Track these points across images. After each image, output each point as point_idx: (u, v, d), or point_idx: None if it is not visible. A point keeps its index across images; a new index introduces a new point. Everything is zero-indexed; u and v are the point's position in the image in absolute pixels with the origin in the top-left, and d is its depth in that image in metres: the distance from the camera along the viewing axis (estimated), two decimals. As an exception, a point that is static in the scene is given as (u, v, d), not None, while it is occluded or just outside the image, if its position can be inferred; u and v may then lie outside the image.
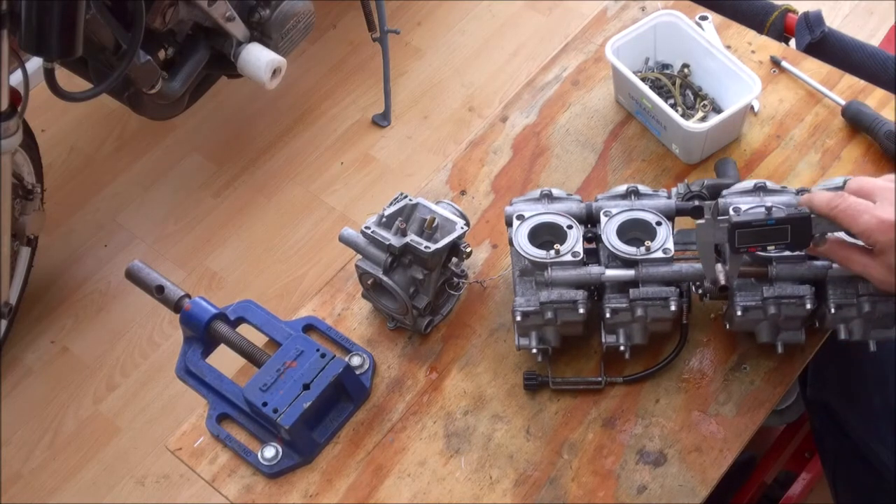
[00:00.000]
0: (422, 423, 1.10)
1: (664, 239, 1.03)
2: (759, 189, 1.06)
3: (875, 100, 1.29)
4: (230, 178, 2.41)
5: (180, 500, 1.94)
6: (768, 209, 0.99)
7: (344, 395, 1.11)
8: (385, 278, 1.08)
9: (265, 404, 1.04)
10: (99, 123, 2.51)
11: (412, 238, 1.07)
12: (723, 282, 0.99)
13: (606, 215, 1.06)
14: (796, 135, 1.29)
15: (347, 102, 2.51)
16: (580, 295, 1.03)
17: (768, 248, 0.99)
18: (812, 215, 0.97)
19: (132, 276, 1.15)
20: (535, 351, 1.07)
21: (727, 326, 1.08)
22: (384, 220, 1.10)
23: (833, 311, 1.01)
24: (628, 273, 1.03)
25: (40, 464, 2.03)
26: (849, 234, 0.97)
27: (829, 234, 0.98)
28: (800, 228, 0.97)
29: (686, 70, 1.34)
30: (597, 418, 1.09)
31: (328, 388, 1.06)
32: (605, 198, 1.10)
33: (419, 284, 1.10)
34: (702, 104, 1.30)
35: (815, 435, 1.43)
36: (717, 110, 1.30)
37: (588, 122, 1.33)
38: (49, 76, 1.62)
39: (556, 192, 1.11)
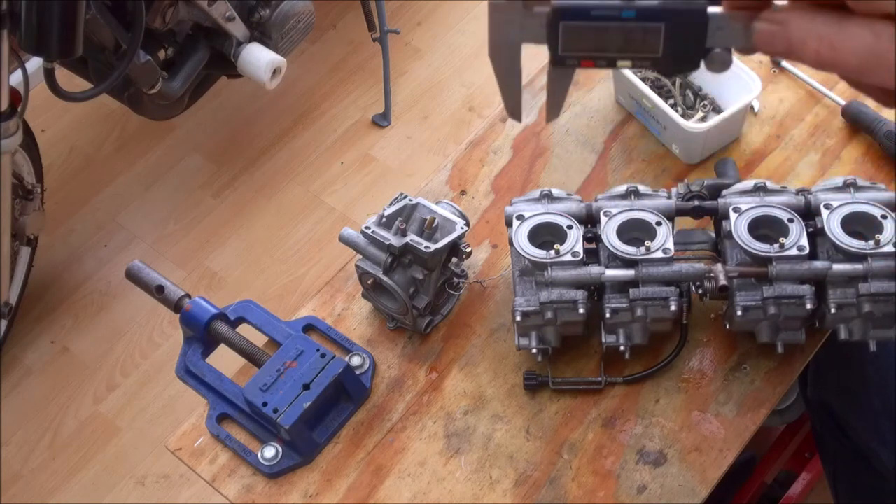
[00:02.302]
0: (422, 423, 1.10)
1: (664, 239, 1.03)
2: (760, 189, 1.06)
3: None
4: (230, 178, 2.41)
5: (180, 500, 1.94)
6: None
7: (344, 395, 1.11)
8: (385, 278, 1.08)
9: (265, 404, 1.04)
10: (99, 123, 2.51)
11: (412, 238, 1.07)
12: (723, 281, 0.99)
13: (606, 215, 1.06)
14: (796, 135, 1.29)
15: (347, 102, 2.51)
16: (580, 295, 1.03)
17: (619, 62, 0.60)
18: (710, 8, 0.58)
19: (132, 276, 1.15)
20: (535, 351, 1.07)
21: (727, 326, 1.08)
22: (384, 220, 1.10)
23: (833, 311, 1.01)
24: (628, 273, 1.03)
25: (40, 464, 2.03)
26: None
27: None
28: (684, 31, 0.58)
29: (686, 70, 1.33)
30: (597, 418, 1.09)
31: (328, 388, 1.06)
32: (605, 198, 1.10)
33: (419, 284, 1.10)
34: (702, 104, 1.30)
35: (815, 435, 1.43)
36: (717, 110, 1.30)
37: (588, 122, 1.33)
38: (49, 76, 1.62)
39: (556, 192, 1.11)
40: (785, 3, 0.53)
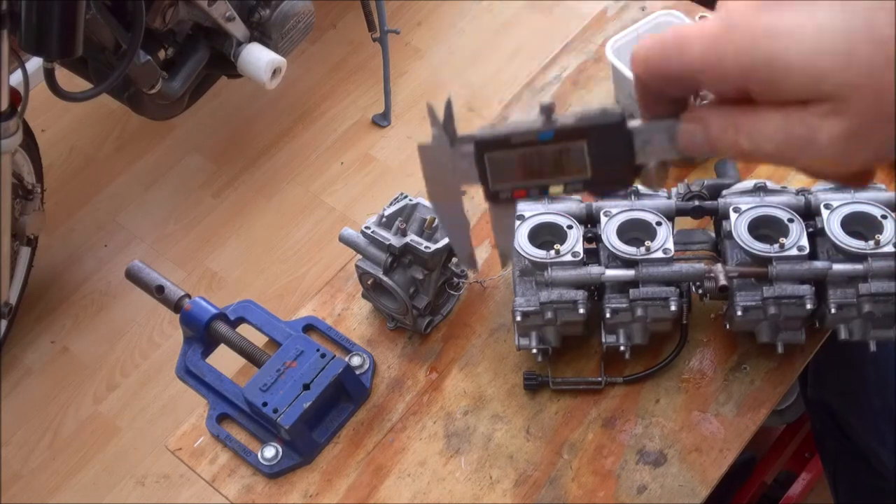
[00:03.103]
0: (422, 423, 1.10)
1: (664, 239, 1.03)
2: (760, 189, 1.06)
3: (875, 100, 1.29)
4: (230, 178, 2.41)
5: (180, 500, 1.94)
6: (546, 112, 0.56)
7: (344, 395, 1.11)
8: (385, 278, 1.08)
9: (265, 404, 1.04)
10: (99, 123, 2.51)
11: (412, 238, 1.07)
12: (723, 281, 0.99)
13: (606, 215, 1.06)
14: (796, 135, 1.28)
15: (347, 102, 2.51)
16: (580, 295, 1.03)
17: (552, 189, 0.58)
18: (630, 122, 0.56)
19: (132, 276, 1.15)
20: (535, 351, 1.07)
21: (727, 326, 1.08)
22: (384, 220, 1.10)
23: (833, 311, 1.01)
24: (628, 273, 1.03)
25: (40, 464, 2.03)
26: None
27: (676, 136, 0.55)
28: (608, 147, 0.55)
29: (686, 70, 1.33)
30: (597, 418, 1.09)
31: (328, 388, 1.06)
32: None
33: (419, 284, 1.10)
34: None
35: (815, 435, 1.43)
36: (717, 110, 1.29)
37: (588, 122, 1.33)
38: (49, 76, 1.62)
39: (556, 192, 1.11)
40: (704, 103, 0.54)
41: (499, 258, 0.67)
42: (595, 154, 0.56)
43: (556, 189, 0.57)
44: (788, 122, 0.48)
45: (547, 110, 0.57)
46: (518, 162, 0.57)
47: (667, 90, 0.54)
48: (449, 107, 0.59)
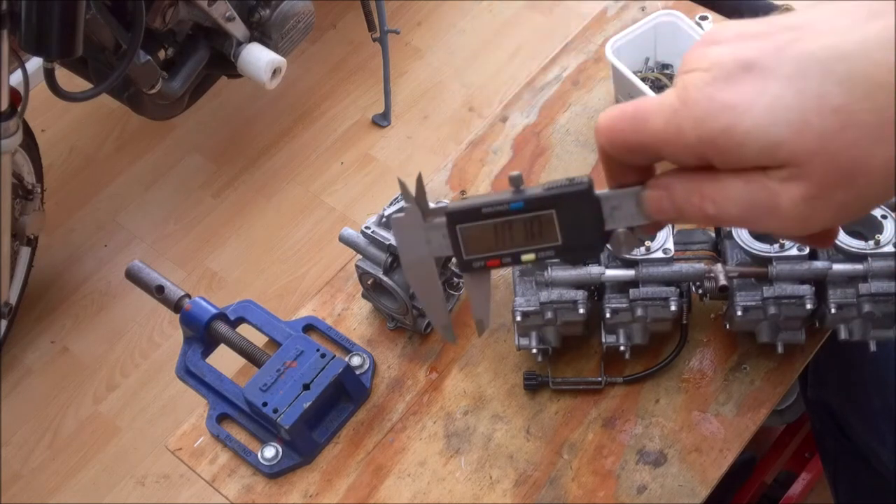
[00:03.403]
0: (422, 423, 1.10)
1: (664, 239, 1.03)
2: (759, 189, 1.06)
3: (875, 100, 1.29)
4: (230, 178, 2.41)
5: (180, 500, 1.94)
6: (516, 183, 0.58)
7: (344, 395, 1.11)
8: (385, 278, 1.08)
9: (265, 404, 1.04)
10: (99, 123, 2.51)
11: (412, 238, 1.07)
12: (723, 281, 0.99)
13: (606, 215, 1.06)
14: (796, 135, 1.28)
15: (347, 102, 2.51)
16: (580, 295, 1.03)
17: (524, 257, 0.60)
18: (598, 191, 0.58)
19: (132, 276, 1.15)
20: (535, 351, 1.07)
21: (727, 326, 1.08)
22: (384, 220, 1.10)
23: (833, 311, 1.01)
24: (628, 273, 1.03)
25: (40, 464, 2.03)
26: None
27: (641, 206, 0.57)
28: (577, 214, 0.57)
29: (686, 70, 1.33)
30: (597, 418, 1.09)
31: (328, 388, 1.06)
32: (605, 198, 1.10)
33: (419, 284, 1.10)
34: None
35: (815, 435, 1.43)
36: (717, 110, 1.29)
37: (588, 122, 1.33)
38: (49, 76, 1.62)
39: (556, 192, 1.11)
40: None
41: (475, 325, 0.68)
42: (565, 222, 0.58)
43: (527, 257, 0.59)
44: (750, 187, 0.50)
45: (516, 181, 0.58)
46: (490, 232, 0.59)
47: (630, 160, 0.55)
48: (419, 181, 0.61)
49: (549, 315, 1.04)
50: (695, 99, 0.50)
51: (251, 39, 2.08)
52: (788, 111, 0.48)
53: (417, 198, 0.61)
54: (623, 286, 1.03)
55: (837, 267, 1.00)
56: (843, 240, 1.00)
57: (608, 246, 0.59)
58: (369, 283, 1.11)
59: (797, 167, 0.48)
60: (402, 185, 0.61)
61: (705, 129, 0.49)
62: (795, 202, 0.49)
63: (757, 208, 0.51)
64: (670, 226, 1.06)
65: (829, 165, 0.48)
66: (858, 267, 0.99)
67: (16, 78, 1.69)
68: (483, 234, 0.59)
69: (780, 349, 1.06)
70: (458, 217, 0.59)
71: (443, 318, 0.68)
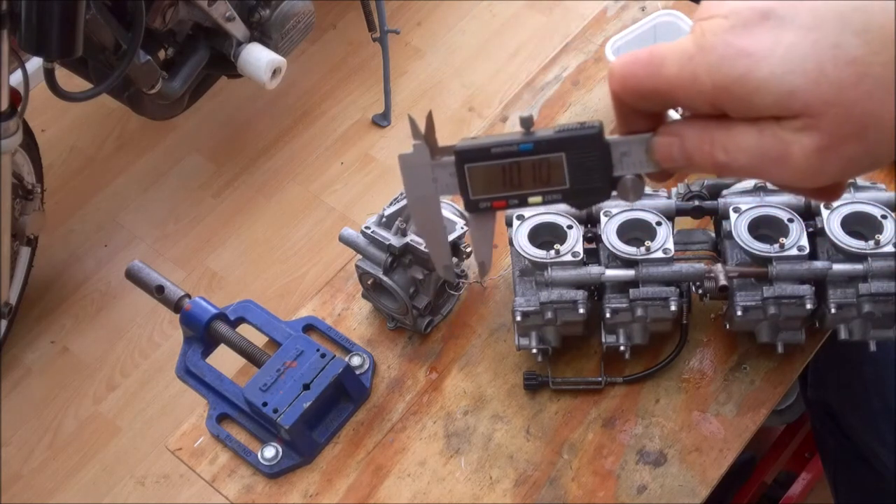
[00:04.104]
0: (422, 423, 1.10)
1: (664, 239, 1.03)
2: (760, 189, 1.06)
3: (875, 100, 1.29)
4: (230, 178, 2.41)
5: (180, 500, 1.94)
6: (526, 125, 0.58)
7: (344, 395, 1.11)
8: (385, 278, 1.08)
9: (265, 404, 1.04)
10: (99, 123, 2.51)
11: (412, 238, 1.07)
12: (723, 281, 0.99)
13: (606, 215, 1.06)
14: (796, 135, 1.28)
15: (347, 102, 2.51)
16: (580, 295, 1.03)
17: (530, 199, 0.59)
18: (608, 136, 0.57)
19: (132, 276, 1.15)
20: (535, 351, 1.07)
21: (727, 326, 1.08)
22: (384, 220, 1.10)
23: (833, 311, 1.01)
24: (628, 273, 1.03)
25: (40, 464, 2.03)
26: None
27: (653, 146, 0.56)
28: (586, 158, 0.57)
29: (686, 70, 1.33)
30: (597, 418, 1.09)
31: (328, 388, 1.06)
32: (605, 198, 1.10)
33: (419, 284, 1.10)
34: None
35: (815, 435, 1.43)
36: (717, 110, 1.29)
37: (588, 122, 1.33)
38: (49, 76, 1.62)
39: (556, 192, 1.11)
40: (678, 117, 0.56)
41: (477, 267, 0.68)
42: (573, 166, 0.57)
43: (534, 199, 0.59)
44: (762, 136, 0.50)
45: (527, 122, 0.58)
46: (497, 172, 0.59)
47: (643, 106, 0.55)
48: (430, 119, 0.61)
49: (549, 315, 1.04)
50: (711, 45, 0.50)
51: (251, 39, 2.08)
52: (804, 61, 0.47)
53: (427, 135, 0.61)
54: (623, 286, 1.03)
55: (837, 267, 1.00)
56: (843, 240, 1.00)
57: (614, 192, 0.59)
58: (369, 283, 1.11)
59: (811, 118, 0.48)
60: (413, 122, 0.61)
61: (720, 76, 0.49)
62: (807, 153, 0.49)
63: (768, 158, 0.50)
64: (670, 226, 1.06)
65: (842, 117, 0.47)
66: (858, 267, 0.99)
67: (16, 78, 1.69)
68: (491, 174, 0.59)
69: (780, 349, 1.06)
70: (467, 156, 0.59)
71: (445, 257, 0.67)
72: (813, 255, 1.02)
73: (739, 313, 1.02)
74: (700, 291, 1.07)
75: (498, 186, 0.59)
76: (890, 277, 0.98)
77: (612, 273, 1.03)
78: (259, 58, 2.05)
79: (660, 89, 0.52)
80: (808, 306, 1.00)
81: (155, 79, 1.92)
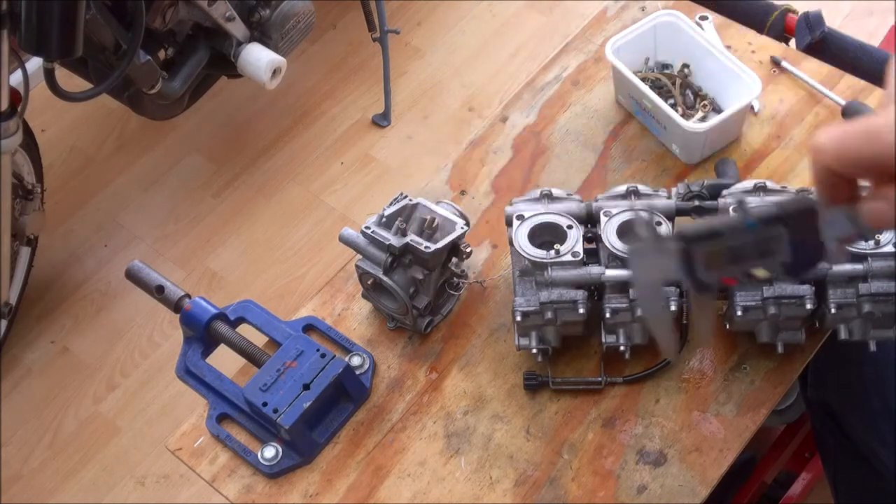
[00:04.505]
0: (422, 423, 1.10)
1: (664, 239, 1.03)
2: (760, 189, 1.06)
3: (875, 100, 1.29)
4: (230, 178, 2.41)
5: (180, 500, 1.94)
6: (739, 203, 0.68)
7: (344, 395, 1.11)
8: (385, 278, 1.08)
9: (265, 404, 1.04)
10: (99, 123, 2.51)
11: (412, 238, 1.08)
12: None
13: (606, 215, 1.06)
14: (796, 135, 1.29)
15: (347, 102, 2.51)
16: (580, 295, 1.03)
17: (755, 272, 0.65)
18: (818, 208, 0.63)
19: (132, 276, 1.15)
20: (535, 351, 1.07)
21: (727, 326, 1.08)
22: (384, 220, 1.10)
23: (833, 311, 1.01)
24: (628, 273, 1.03)
25: (40, 464, 2.03)
26: None
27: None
28: (802, 229, 0.63)
29: (686, 70, 1.34)
30: (597, 418, 1.09)
31: (328, 388, 1.06)
32: (605, 198, 1.10)
33: (419, 284, 1.10)
34: (702, 104, 1.30)
35: (815, 435, 1.43)
36: (718, 110, 1.30)
37: (588, 122, 1.33)
38: (49, 76, 1.62)
39: (556, 192, 1.11)
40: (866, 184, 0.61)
41: (700, 338, 0.78)
42: (792, 236, 0.63)
43: (759, 272, 0.65)
44: None
45: (743, 204, 0.69)
46: (725, 252, 0.64)
47: (855, 175, 0.60)
48: (651, 221, 0.77)
49: (549, 315, 1.04)
50: None
51: (251, 39, 2.08)
52: None
53: (653, 232, 0.71)
54: (623, 286, 1.03)
55: (837, 267, 1.00)
56: None
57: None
58: (369, 283, 1.11)
59: None
60: (640, 219, 0.72)
61: None
62: None
63: None
64: (670, 226, 1.06)
65: None
66: (858, 267, 0.99)
67: (16, 78, 1.69)
68: (717, 253, 0.64)
69: (780, 349, 1.06)
70: (693, 239, 0.65)
71: (672, 342, 0.74)
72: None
73: (739, 313, 1.02)
74: (700, 291, 1.07)
75: (724, 264, 0.65)
76: (890, 277, 0.98)
77: (612, 273, 1.03)
78: (259, 58, 2.05)
79: (879, 158, 0.57)
80: (808, 306, 1.00)
81: (155, 79, 1.92)
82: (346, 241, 1.12)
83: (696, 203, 1.09)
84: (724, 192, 1.08)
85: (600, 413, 1.09)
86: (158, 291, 1.13)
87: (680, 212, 1.09)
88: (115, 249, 2.32)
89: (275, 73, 2.09)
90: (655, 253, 0.68)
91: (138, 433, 2.05)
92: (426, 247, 1.06)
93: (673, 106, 1.28)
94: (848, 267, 1.00)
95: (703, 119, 1.28)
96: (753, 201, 1.04)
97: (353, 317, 1.19)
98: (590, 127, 1.33)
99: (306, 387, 1.05)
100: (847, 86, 1.31)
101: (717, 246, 0.64)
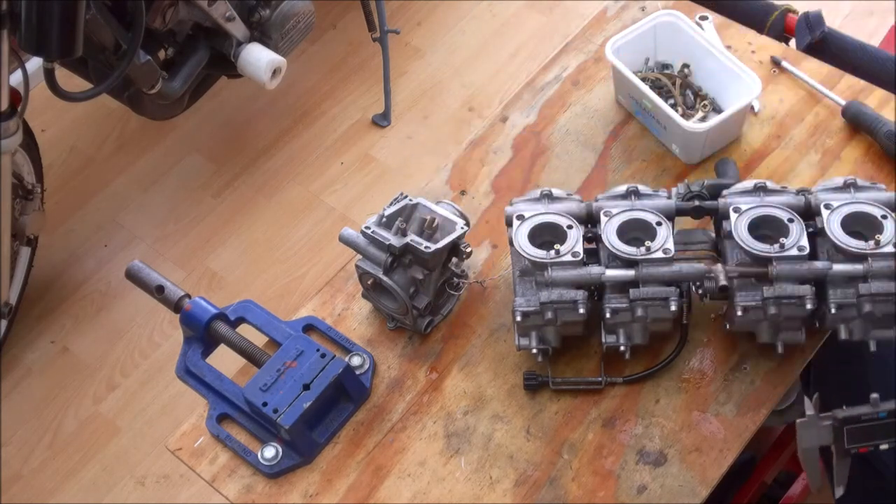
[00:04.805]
0: (422, 423, 1.10)
1: (664, 239, 1.03)
2: (760, 189, 1.06)
3: (875, 100, 1.29)
4: (230, 178, 2.40)
5: (180, 500, 1.94)
6: (874, 402, 0.99)
7: (344, 395, 1.11)
8: (385, 278, 1.08)
9: (265, 404, 1.04)
10: (99, 123, 2.51)
11: (412, 238, 1.07)
12: (723, 281, 0.99)
13: (606, 215, 1.06)
14: (796, 135, 1.29)
15: (347, 102, 2.51)
16: (580, 295, 1.03)
17: (882, 446, 0.99)
18: None
19: (132, 276, 1.15)
20: (535, 351, 1.07)
21: (727, 326, 1.08)
22: (384, 220, 1.10)
23: (833, 311, 1.01)
24: (628, 273, 1.03)
25: (40, 464, 2.03)
26: None
27: None
28: None
29: (686, 70, 1.34)
30: (597, 418, 1.09)
31: (328, 388, 1.06)
32: (605, 198, 1.10)
33: (419, 284, 1.10)
34: (702, 104, 1.30)
35: (815, 435, 1.43)
36: (718, 110, 1.30)
37: (588, 122, 1.33)
38: (49, 76, 1.62)
39: (556, 192, 1.11)
40: None
41: (834, 482, 1.04)
42: None
43: (885, 446, 0.98)
44: None
45: (876, 401, 0.98)
46: (868, 430, 0.98)
47: None
48: (816, 405, 1.01)
49: (549, 315, 1.04)
50: None
51: (251, 39, 2.08)
52: None
53: (818, 412, 1.00)
54: (623, 286, 1.03)
55: (837, 267, 1.00)
56: (844, 240, 1.00)
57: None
58: (369, 283, 1.11)
59: None
60: (806, 400, 1.01)
61: None
62: None
63: None
64: (670, 226, 1.06)
65: None
66: (858, 267, 0.99)
67: (16, 78, 1.69)
68: (862, 432, 0.98)
69: (780, 349, 1.06)
70: (847, 421, 0.99)
71: (816, 477, 1.01)
72: (813, 255, 1.02)
73: (740, 313, 1.02)
74: (700, 291, 1.07)
75: (865, 438, 0.98)
76: (890, 277, 0.98)
77: (612, 273, 1.03)
78: (259, 58, 2.05)
79: None
80: (808, 306, 1.00)
81: (155, 79, 1.92)
82: (346, 241, 1.12)
83: (696, 203, 1.09)
84: (724, 191, 1.08)
85: (600, 413, 1.09)
86: (158, 291, 1.13)
87: (680, 212, 1.09)
88: (115, 249, 2.32)
89: (275, 73, 2.09)
90: (816, 426, 0.99)
91: (138, 433, 2.05)
92: (426, 247, 1.06)
93: (673, 106, 1.28)
94: (848, 267, 1.00)
95: (703, 119, 1.28)
96: (752, 201, 1.05)
97: (353, 317, 1.19)
98: (590, 127, 1.33)
99: (306, 387, 1.05)
100: (847, 86, 1.31)
101: (863, 427, 0.97)
